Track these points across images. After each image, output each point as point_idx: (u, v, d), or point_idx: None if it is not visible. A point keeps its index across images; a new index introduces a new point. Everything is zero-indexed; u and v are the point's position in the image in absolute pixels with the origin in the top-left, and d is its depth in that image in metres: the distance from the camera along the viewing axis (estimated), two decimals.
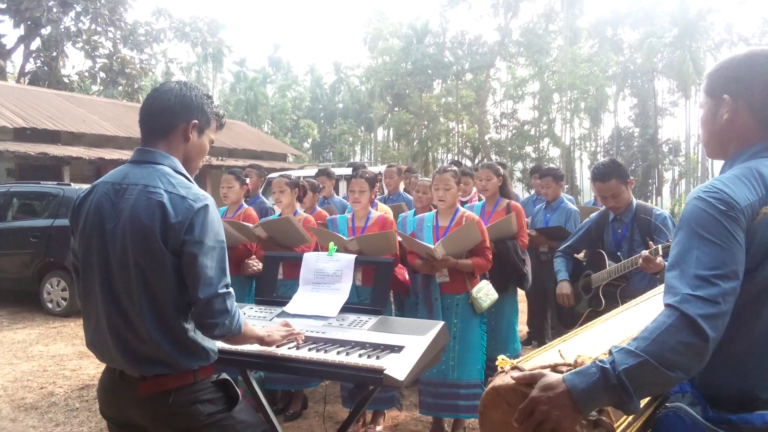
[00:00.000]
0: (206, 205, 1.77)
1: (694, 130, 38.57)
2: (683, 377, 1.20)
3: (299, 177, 4.86)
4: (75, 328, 7.17)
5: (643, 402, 1.46)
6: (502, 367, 1.40)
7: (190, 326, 1.80)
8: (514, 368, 1.37)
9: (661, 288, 1.99)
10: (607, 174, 3.34)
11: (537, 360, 1.48)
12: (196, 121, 1.89)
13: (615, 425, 1.31)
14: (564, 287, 3.55)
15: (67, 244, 2.00)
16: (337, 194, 9.79)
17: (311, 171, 8.53)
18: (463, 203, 5.15)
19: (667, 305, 1.23)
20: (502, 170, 4.70)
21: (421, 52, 38.98)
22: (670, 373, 1.18)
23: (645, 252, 3.04)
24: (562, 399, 1.21)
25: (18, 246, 8.23)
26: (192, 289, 1.74)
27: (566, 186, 32.61)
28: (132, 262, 1.74)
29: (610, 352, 1.23)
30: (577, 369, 1.25)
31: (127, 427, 1.88)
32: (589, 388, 1.20)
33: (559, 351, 1.41)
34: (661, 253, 3.00)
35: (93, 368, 5.48)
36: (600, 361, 1.22)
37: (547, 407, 1.21)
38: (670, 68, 35.65)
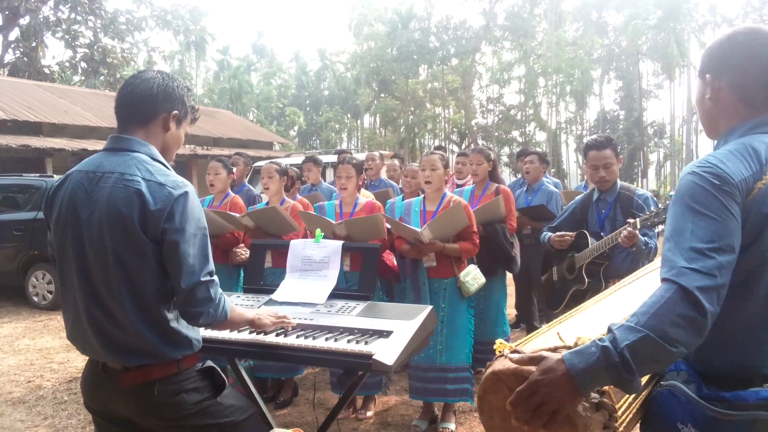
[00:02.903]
0: (186, 192, 1.74)
1: (679, 112, 38.89)
2: (683, 352, 1.19)
3: (288, 166, 4.82)
4: (61, 321, 7.10)
5: (642, 381, 1.47)
6: (500, 351, 1.39)
7: (172, 315, 1.78)
8: (513, 352, 1.36)
9: (648, 268, 2.01)
10: (603, 143, 3.38)
11: (536, 343, 1.47)
12: (176, 111, 1.87)
13: (617, 407, 1.31)
14: (555, 236, 3.50)
15: None
16: (324, 181, 9.76)
17: (298, 159, 8.46)
18: (458, 186, 5.17)
19: (664, 279, 1.23)
20: (492, 155, 4.74)
21: (406, 38, 38.79)
22: (671, 348, 1.16)
23: (628, 229, 3.08)
24: (563, 380, 1.20)
25: (1, 239, 8.14)
26: (174, 278, 1.72)
27: (552, 170, 32.76)
28: (110, 252, 1.71)
29: (610, 330, 1.22)
30: (576, 349, 1.24)
31: (113, 420, 1.86)
32: (589, 368, 1.19)
33: (558, 334, 1.40)
34: (639, 225, 3.03)
35: (80, 361, 5.44)
36: (599, 339, 1.21)
37: (548, 389, 1.20)
38: (654, 50, 35.77)
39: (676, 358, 1.22)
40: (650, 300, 1.21)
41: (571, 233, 3.48)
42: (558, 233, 3.53)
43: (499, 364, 1.36)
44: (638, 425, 1.54)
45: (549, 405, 1.21)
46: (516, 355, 1.32)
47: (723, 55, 1.42)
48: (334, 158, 8.81)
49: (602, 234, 3.38)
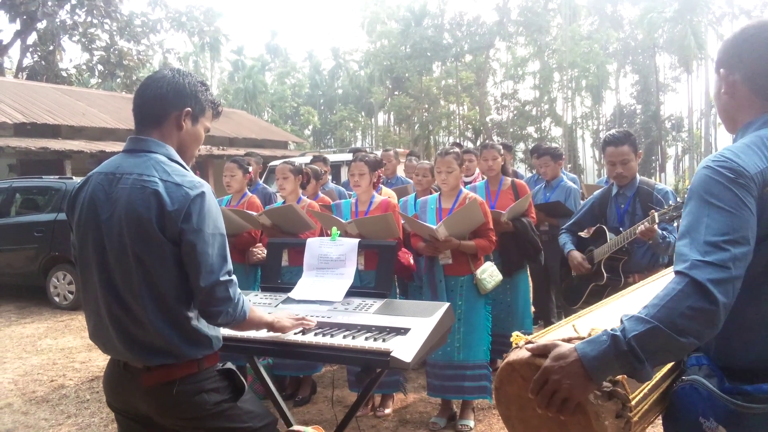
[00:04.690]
0: (203, 192, 1.74)
1: (697, 105, 38.38)
2: (695, 343, 1.20)
3: (303, 164, 4.84)
4: (83, 321, 7.18)
5: (660, 374, 1.46)
6: (516, 343, 1.41)
7: (192, 315, 1.79)
8: (528, 343, 1.38)
9: (672, 267, 1.99)
10: (621, 139, 3.35)
11: (551, 336, 1.49)
12: (189, 108, 1.85)
13: (630, 397, 1.31)
14: (575, 256, 3.52)
15: None
16: (339, 181, 9.79)
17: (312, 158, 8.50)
18: (466, 184, 5.16)
19: (677, 272, 1.23)
20: (502, 149, 4.75)
21: (419, 35, 38.74)
22: (681, 338, 1.17)
23: (645, 223, 3.05)
24: (574, 367, 1.22)
25: (22, 241, 8.26)
26: (193, 278, 1.73)
27: (569, 165, 32.54)
28: (130, 253, 1.72)
29: (621, 321, 1.23)
30: (588, 338, 1.26)
31: (135, 418, 1.88)
32: (599, 356, 1.20)
33: (574, 326, 1.43)
34: (657, 220, 3.01)
35: (102, 360, 5.51)
36: (611, 329, 1.23)
37: (559, 376, 1.22)
38: (671, 43, 35.35)
39: (689, 349, 1.23)
40: (662, 292, 1.22)
41: (589, 266, 3.47)
42: (578, 259, 3.50)
43: (514, 355, 1.38)
44: (660, 421, 1.53)
45: (560, 392, 1.22)
46: (530, 345, 1.35)
47: (736, 49, 1.43)
48: (349, 157, 8.83)
49: (621, 229, 3.35)
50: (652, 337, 1.18)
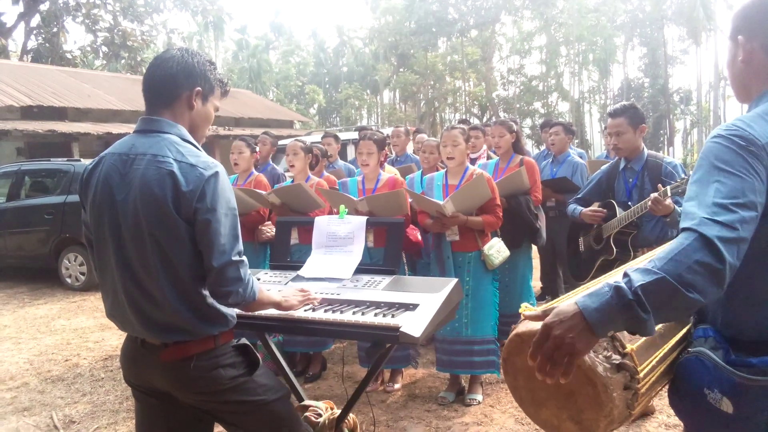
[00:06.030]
0: (216, 173, 1.76)
1: (706, 78, 37.89)
2: (700, 300, 1.17)
3: (313, 143, 4.84)
4: (95, 302, 7.30)
5: (668, 346, 1.46)
6: (524, 315, 1.41)
7: (207, 293, 1.82)
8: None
9: None
10: (619, 111, 3.38)
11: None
12: (199, 88, 1.86)
13: (639, 369, 1.32)
14: (586, 211, 3.53)
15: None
16: (345, 158, 9.77)
17: (319, 137, 8.48)
18: (472, 161, 5.13)
19: (684, 228, 1.22)
20: (514, 126, 4.68)
21: (424, 10, 38.29)
22: (687, 293, 1.14)
23: (654, 194, 3.04)
24: (575, 320, 1.18)
25: (33, 224, 8.34)
26: (205, 257, 1.75)
27: (576, 141, 32.32)
28: (146, 233, 1.74)
29: (626, 274, 1.20)
30: (589, 291, 1.22)
31: (152, 394, 1.92)
32: (601, 308, 1.17)
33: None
34: (670, 194, 2.99)
35: (115, 339, 5.59)
36: (614, 281, 1.20)
37: (561, 331, 1.18)
38: (680, 15, 34.81)
39: (694, 307, 1.19)
40: (669, 246, 1.21)
41: (603, 209, 3.46)
42: (590, 208, 3.51)
43: (523, 326, 1.39)
44: (665, 393, 1.55)
45: (563, 348, 1.18)
46: (533, 313, 1.33)
47: (756, 16, 1.40)
48: (355, 135, 8.79)
49: (630, 203, 3.34)
50: (659, 288, 1.15)
